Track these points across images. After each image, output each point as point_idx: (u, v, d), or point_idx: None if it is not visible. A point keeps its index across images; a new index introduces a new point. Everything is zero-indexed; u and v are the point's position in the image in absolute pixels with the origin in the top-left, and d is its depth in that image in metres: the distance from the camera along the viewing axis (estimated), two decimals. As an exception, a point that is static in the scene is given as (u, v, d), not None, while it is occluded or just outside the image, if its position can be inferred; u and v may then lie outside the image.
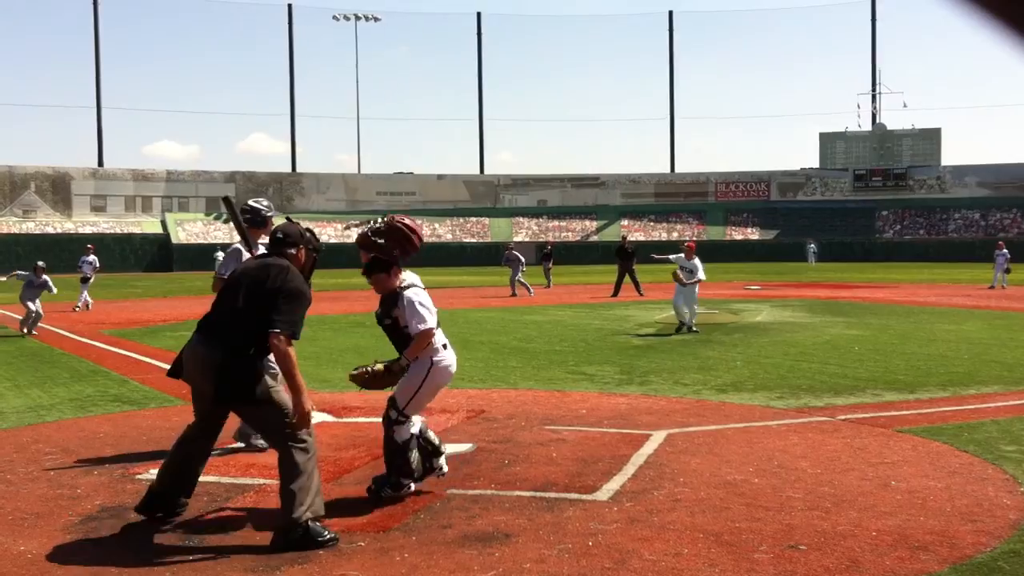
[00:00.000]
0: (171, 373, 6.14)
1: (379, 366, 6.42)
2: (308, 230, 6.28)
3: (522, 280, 33.18)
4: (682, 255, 18.63)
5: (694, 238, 73.60)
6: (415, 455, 6.48)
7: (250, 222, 8.16)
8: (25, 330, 19.31)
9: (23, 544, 5.62)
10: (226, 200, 8.14)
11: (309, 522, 5.53)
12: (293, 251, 6.07)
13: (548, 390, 11.42)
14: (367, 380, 6.45)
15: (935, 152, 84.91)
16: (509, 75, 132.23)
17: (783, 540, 5.50)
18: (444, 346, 6.56)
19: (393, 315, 6.41)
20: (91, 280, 28.74)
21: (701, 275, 18.37)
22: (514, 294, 32.35)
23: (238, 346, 5.73)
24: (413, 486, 6.51)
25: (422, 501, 6.41)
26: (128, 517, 6.15)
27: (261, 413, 5.82)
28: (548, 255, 38.59)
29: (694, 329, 18.06)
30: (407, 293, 6.40)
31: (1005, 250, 34.15)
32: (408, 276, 6.60)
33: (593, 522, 5.90)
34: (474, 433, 8.73)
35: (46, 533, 5.85)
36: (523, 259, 33.93)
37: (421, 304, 6.36)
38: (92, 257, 30.11)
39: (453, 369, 6.64)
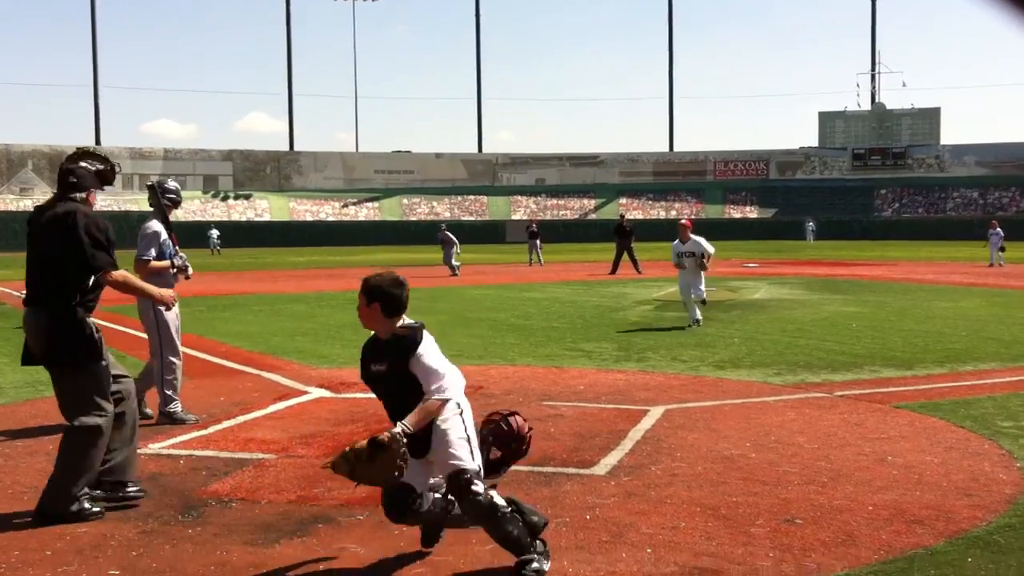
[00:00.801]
0: (24, 362, 6.04)
1: (362, 444, 4.55)
2: (106, 162, 6.16)
3: (453, 262, 32.24)
4: (676, 241, 15.80)
5: (691, 216, 73.46)
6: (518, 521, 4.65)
7: (172, 203, 9.08)
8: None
9: (23, 518, 5.63)
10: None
11: (82, 497, 5.63)
12: (83, 195, 5.95)
13: (546, 366, 11.43)
14: (353, 466, 4.58)
15: (934, 131, 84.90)
16: (508, 54, 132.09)
17: (780, 514, 5.52)
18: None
19: (403, 369, 4.66)
20: None
21: (708, 248, 15.55)
22: (455, 274, 31.34)
23: (61, 301, 5.71)
24: (546, 564, 4.66)
25: (420, 475, 6.42)
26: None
27: (77, 380, 5.75)
28: (535, 233, 38.49)
29: (698, 320, 15.22)
30: (423, 350, 4.69)
31: (998, 228, 34.22)
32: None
33: (591, 496, 5.92)
34: (472, 409, 8.72)
35: (45, 507, 5.86)
36: (456, 241, 33.31)
37: (440, 361, 4.79)
38: None
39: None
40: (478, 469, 4.65)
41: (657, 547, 4.98)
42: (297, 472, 6.61)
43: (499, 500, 4.59)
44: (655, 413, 8.43)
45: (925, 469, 6.46)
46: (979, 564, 4.71)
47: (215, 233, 60.46)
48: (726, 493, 5.96)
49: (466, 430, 4.74)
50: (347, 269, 36.31)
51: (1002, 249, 33.62)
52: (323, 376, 10.80)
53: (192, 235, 69.49)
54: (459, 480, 4.56)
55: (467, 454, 4.65)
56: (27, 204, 71.94)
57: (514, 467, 6.60)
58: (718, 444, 7.27)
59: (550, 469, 6.59)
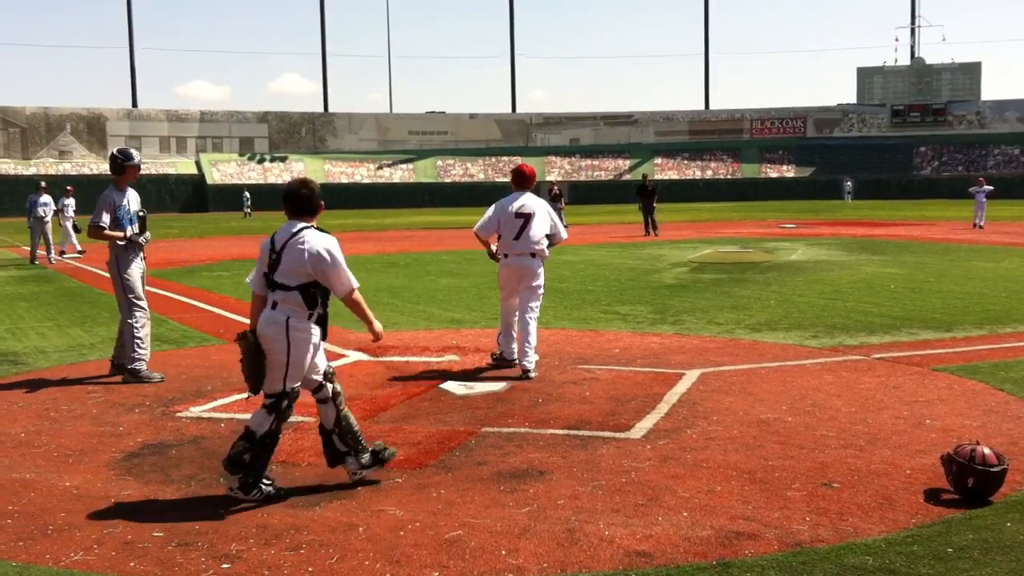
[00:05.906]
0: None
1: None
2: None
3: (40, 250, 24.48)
4: (513, 196, 8.77)
5: (729, 175, 72.07)
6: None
7: (116, 169, 9.03)
8: None
9: (68, 480, 5.75)
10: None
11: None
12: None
13: (581, 330, 11.45)
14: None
15: (975, 87, 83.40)
16: (542, 11, 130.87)
17: (816, 478, 5.52)
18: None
19: None
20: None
21: (561, 233, 8.89)
22: (42, 259, 23.84)
23: None
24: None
25: (458, 439, 6.48)
26: (170, 455, 6.28)
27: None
28: (557, 196, 37.31)
29: (530, 374, 8.39)
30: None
31: (985, 186, 33.92)
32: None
33: (626, 460, 5.94)
34: (508, 372, 8.78)
35: (90, 469, 5.98)
36: (55, 207, 25.36)
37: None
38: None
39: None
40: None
41: (693, 511, 5.00)
42: (336, 435, 6.66)
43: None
44: (691, 376, 8.43)
45: (964, 433, 6.42)
46: (1018, 528, 4.69)
47: (247, 196, 60.67)
48: (762, 457, 5.96)
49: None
50: (382, 232, 36.40)
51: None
52: (361, 340, 10.87)
53: (231, 198, 70.24)
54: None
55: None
56: (66, 167, 72.63)
57: (550, 430, 6.66)
58: (754, 408, 7.26)
59: (586, 432, 6.62)
